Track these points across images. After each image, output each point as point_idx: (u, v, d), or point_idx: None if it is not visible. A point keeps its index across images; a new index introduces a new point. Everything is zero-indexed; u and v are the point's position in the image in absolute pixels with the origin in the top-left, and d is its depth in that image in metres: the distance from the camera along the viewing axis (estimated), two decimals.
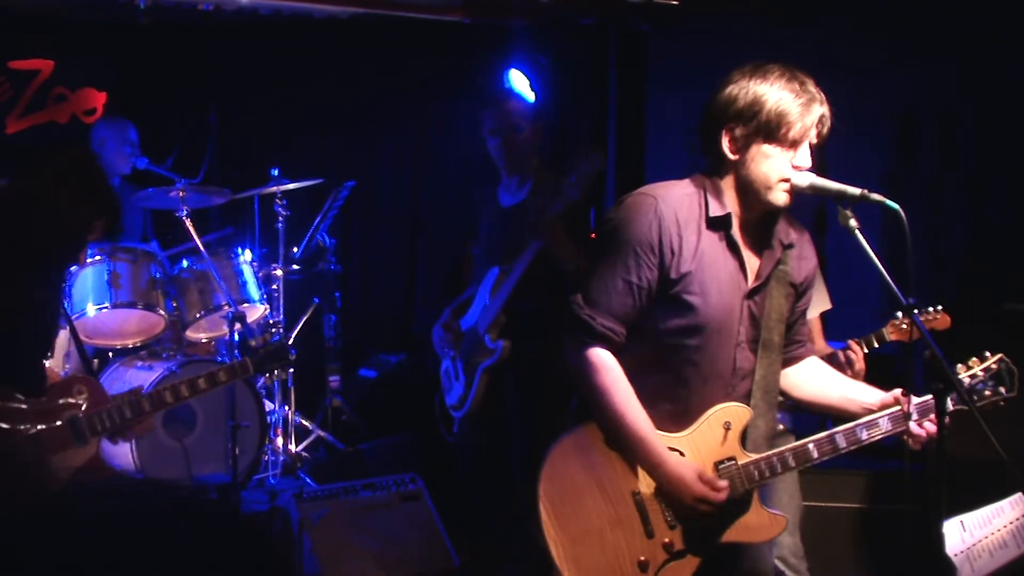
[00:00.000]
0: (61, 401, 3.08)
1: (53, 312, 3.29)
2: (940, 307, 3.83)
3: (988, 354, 2.89)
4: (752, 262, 2.78)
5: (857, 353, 3.70)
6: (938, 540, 2.51)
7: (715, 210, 2.72)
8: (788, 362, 2.95)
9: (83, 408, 3.09)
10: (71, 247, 3.16)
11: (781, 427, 3.82)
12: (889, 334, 3.86)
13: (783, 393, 2.98)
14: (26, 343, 3.12)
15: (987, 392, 2.85)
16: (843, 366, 3.66)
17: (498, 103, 4.37)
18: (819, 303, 3.93)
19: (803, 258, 2.89)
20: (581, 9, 6.79)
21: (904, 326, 3.78)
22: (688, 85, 6.16)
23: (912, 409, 2.74)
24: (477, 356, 4.30)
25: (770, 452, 2.77)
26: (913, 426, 2.74)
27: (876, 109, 5.65)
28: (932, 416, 2.73)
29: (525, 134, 4.35)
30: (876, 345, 3.76)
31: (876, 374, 3.61)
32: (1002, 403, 2.86)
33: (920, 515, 3.98)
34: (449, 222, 7.28)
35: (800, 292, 2.90)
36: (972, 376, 2.86)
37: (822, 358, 3.70)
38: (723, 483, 2.70)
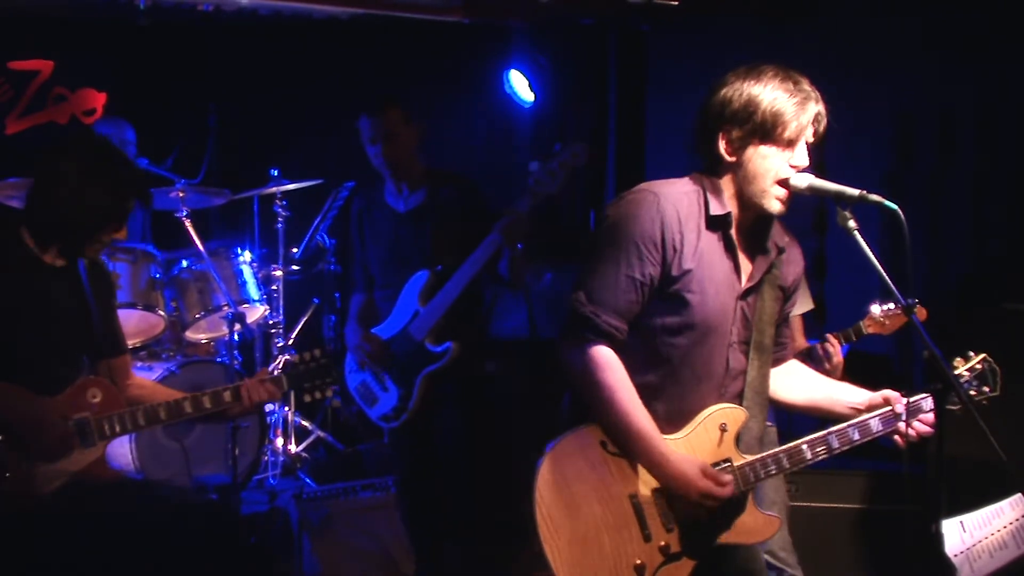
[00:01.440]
0: (73, 402, 3.08)
1: (82, 316, 3.23)
2: (916, 300, 3.83)
3: (972, 354, 2.94)
4: (746, 264, 2.79)
5: (835, 346, 3.77)
6: (938, 540, 2.51)
7: (715, 209, 2.72)
8: (773, 364, 2.95)
9: (94, 411, 3.08)
10: (111, 228, 3.16)
11: (769, 424, 3.84)
12: (866, 327, 3.91)
13: (772, 396, 2.98)
14: (32, 344, 3.10)
15: (972, 392, 2.89)
16: (821, 359, 3.74)
17: (372, 111, 4.23)
18: (803, 303, 3.96)
19: (791, 262, 2.91)
20: (581, 9, 6.79)
21: (881, 319, 3.83)
22: (688, 85, 6.16)
23: (901, 410, 2.77)
24: (416, 363, 4.17)
25: (765, 453, 2.78)
26: (903, 427, 2.78)
27: (876, 109, 5.65)
28: (921, 416, 2.78)
29: (403, 139, 4.24)
30: (854, 339, 3.82)
31: (875, 374, 3.62)
32: (985, 402, 2.90)
33: (920, 515, 3.98)
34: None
35: (788, 295, 2.91)
36: (957, 376, 2.89)
37: (800, 353, 3.76)
38: (727, 477, 2.70)
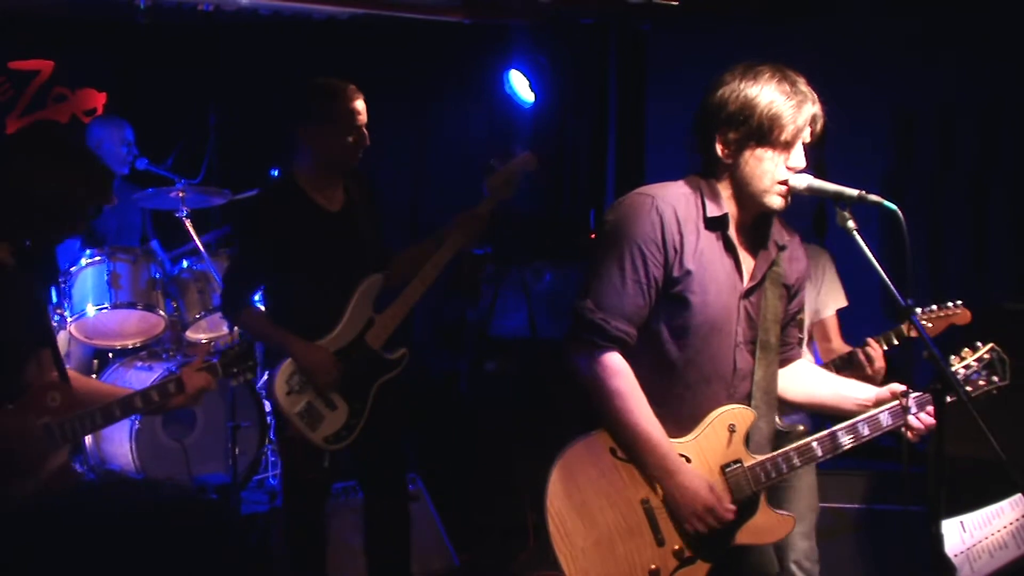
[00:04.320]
0: (35, 407, 2.99)
1: (35, 314, 3.15)
2: (960, 302, 3.79)
3: (980, 344, 2.92)
4: (747, 262, 2.78)
5: (876, 351, 3.65)
6: (938, 540, 2.51)
7: (712, 210, 2.72)
8: (781, 364, 2.94)
9: (55, 414, 3.00)
10: (68, 223, 3.06)
11: (801, 428, 3.80)
12: (908, 330, 3.82)
13: (780, 396, 2.98)
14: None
15: (981, 382, 2.88)
16: (862, 365, 3.63)
17: (357, 92, 3.99)
18: (835, 300, 3.90)
19: (794, 259, 2.89)
20: (581, 9, 6.79)
21: (925, 322, 3.74)
22: (688, 85, 6.14)
23: (911, 403, 2.75)
24: (371, 373, 3.93)
25: (775, 452, 2.77)
26: (912, 419, 2.76)
27: (876, 109, 5.65)
28: (929, 408, 2.76)
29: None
30: (896, 343, 3.69)
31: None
32: (995, 392, 2.89)
33: (920, 515, 3.97)
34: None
35: (792, 294, 2.90)
36: (966, 367, 2.89)
37: (840, 358, 3.71)
38: (732, 507, 2.70)
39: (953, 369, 2.85)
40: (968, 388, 2.85)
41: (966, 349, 2.92)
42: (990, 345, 2.92)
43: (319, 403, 3.85)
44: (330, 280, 3.90)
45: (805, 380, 3.00)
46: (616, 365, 2.69)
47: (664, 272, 2.69)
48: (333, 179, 3.98)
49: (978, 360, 2.89)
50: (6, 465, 2.93)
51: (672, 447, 2.69)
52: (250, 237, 3.98)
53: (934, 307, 3.77)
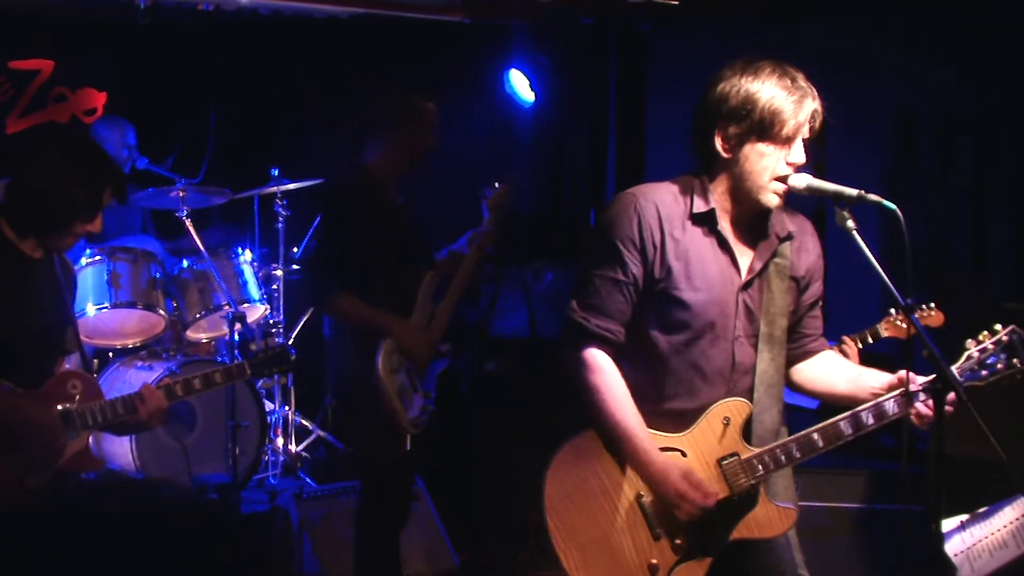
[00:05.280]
0: (55, 393, 3.10)
1: (61, 307, 3.26)
2: (933, 304, 3.82)
3: (999, 327, 2.76)
4: (745, 256, 2.77)
5: (851, 348, 3.70)
6: (938, 540, 2.50)
7: (699, 206, 2.72)
8: (802, 356, 2.91)
9: (76, 401, 3.10)
10: (83, 220, 3.16)
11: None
12: (884, 330, 3.87)
13: (801, 388, 2.95)
14: (18, 335, 3.11)
15: (999, 365, 2.72)
16: None
17: (435, 102, 4.23)
18: None
19: (804, 250, 2.85)
20: (581, 9, 6.80)
21: (899, 323, 3.78)
22: (688, 85, 6.15)
23: (916, 387, 2.66)
24: (436, 361, 4.14)
25: (773, 444, 2.75)
26: (920, 405, 2.67)
27: (876, 109, 5.66)
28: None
29: None
30: (871, 341, 3.76)
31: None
32: (1019, 376, 2.72)
33: (920, 515, 3.98)
34: (449, 221, 7.27)
35: (803, 286, 2.86)
36: (982, 350, 2.74)
37: None
38: (713, 489, 2.68)
39: (967, 352, 2.74)
40: (984, 372, 2.72)
41: (984, 332, 2.76)
42: (1011, 327, 2.74)
43: (408, 384, 4.02)
44: (401, 270, 4.10)
45: (828, 372, 2.93)
46: (596, 361, 2.71)
47: (644, 270, 2.70)
48: (399, 178, 4.22)
49: (996, 343, 2.73)
50: (19, 446, 3.00)
51: (649, 438, 2.69)
52: (342, 225, 4.11)
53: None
